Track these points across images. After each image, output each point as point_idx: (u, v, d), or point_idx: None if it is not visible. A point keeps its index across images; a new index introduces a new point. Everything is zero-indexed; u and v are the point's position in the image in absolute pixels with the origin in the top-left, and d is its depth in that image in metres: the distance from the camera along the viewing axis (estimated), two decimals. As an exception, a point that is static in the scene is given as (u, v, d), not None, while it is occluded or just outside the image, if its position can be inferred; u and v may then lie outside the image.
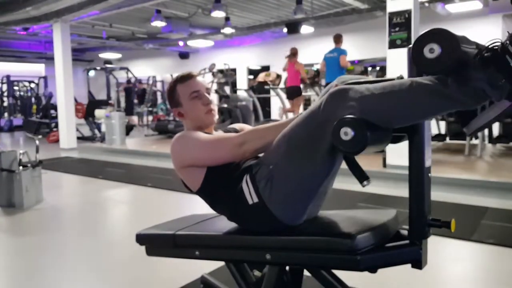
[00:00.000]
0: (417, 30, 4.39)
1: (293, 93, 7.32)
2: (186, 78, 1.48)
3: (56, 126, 9.60)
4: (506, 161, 4.95)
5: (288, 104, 7.73)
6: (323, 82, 8.16)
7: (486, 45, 0.96)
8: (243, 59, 12.70)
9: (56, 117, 9.38)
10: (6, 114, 13.53)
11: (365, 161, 1.32)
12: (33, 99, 13.32)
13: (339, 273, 1.36)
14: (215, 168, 1.34)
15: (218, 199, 1.38)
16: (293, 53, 7.26)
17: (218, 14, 8.16)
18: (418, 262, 1.17)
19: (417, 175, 1.17)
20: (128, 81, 12.89)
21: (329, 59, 6.62)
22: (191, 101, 1.46)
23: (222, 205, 1.38)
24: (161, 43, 12.60)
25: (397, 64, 4.36)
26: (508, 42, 0.93)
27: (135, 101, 11.91)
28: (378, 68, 8.02)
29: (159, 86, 14.76)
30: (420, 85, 1.03)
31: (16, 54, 13.84)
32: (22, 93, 13.91)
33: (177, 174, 1.44)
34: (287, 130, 1.22)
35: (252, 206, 1.25)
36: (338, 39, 6.66)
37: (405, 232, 1.26)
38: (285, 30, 9.57)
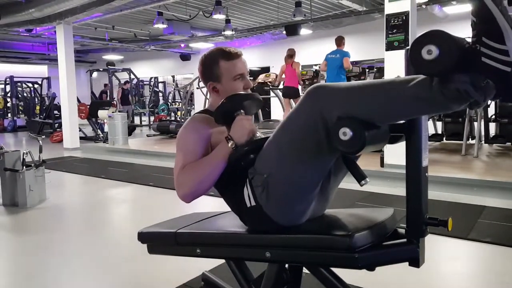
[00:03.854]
0: (415, 32, 4.40)
1: (290, 93, 7.24)
2: (233, 56, 1.40)
3: (59, 126, 9.63)
4: (502, 161, 4.94)
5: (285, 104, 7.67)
6: (322, 83, 8.14)
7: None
8: (243, 60, 12.71)
9: (59, 117, 9.41)
10: (9, 115, 13.58)
11: (363, 160, 1.33)
12: (36, 100, 13.36)
13: (337, 271, 1.38)
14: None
15: (225, 192, 1.39)
16: (290, 55, 7.21)
17: (219, 16, 8.20)
18: (415, 260, 1.17)
19: (414, 174, 1.17)
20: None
21: (330, 59, 6.59)
22: (233, 82, 1.40)
23: (227, 199, 1.39)
24: (162, 45, 12.64)
25: (395, 65, 4.38)
26: (478, 46, 0.92)
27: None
28: (375, 69, 8.02)
29: (160, 87, 14.79)
30: (401, 87, 1.01)
31: (19, 55, 13.88)
32: (25, 94, 13.97)
33: None
34: (275, 136, 1.22)
35: (250, 208, 1.27)
36: (340, 41, 6.64)
37: (402, 231, 1.27)
38: (284, 32, 9.60)
